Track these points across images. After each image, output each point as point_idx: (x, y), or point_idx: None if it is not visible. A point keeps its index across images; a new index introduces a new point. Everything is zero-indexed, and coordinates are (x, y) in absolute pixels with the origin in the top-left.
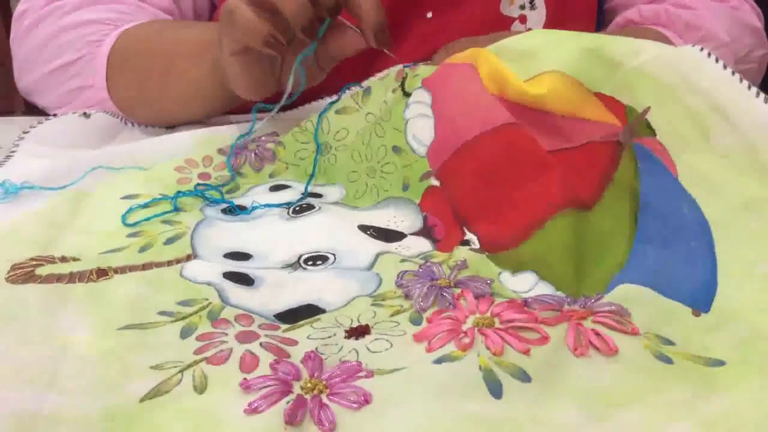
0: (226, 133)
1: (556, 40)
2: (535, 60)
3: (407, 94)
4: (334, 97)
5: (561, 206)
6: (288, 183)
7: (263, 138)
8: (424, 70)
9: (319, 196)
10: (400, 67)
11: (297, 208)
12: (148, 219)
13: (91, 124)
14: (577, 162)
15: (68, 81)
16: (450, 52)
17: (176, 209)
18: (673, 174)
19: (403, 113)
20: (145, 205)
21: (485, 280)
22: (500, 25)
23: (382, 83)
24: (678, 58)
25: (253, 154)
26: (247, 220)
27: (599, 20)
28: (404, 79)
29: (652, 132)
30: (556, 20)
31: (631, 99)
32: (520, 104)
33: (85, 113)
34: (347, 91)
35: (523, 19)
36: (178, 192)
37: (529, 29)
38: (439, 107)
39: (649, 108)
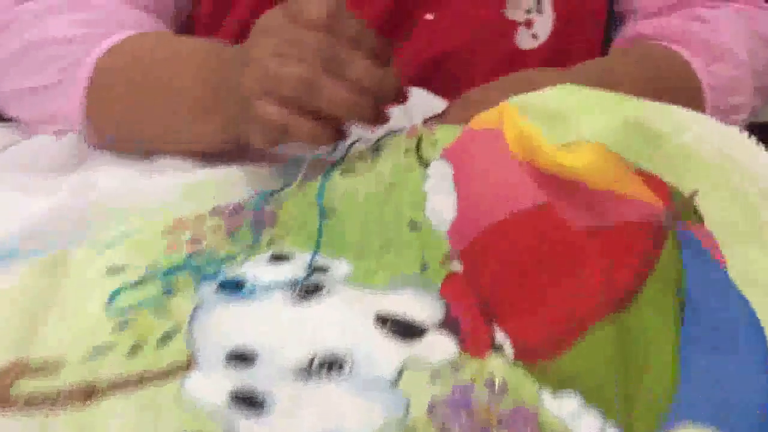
0: (222, 180)
1: (591, 103)
2: (568, 125)
3: (423, 162)
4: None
5: (601, 311)
6: (289, 253)
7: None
8: (443, 133)
9: (324, 270)
10: (413, 124)
11: (303, 290)
12: (136, 306)
13: (60, 146)
14: (612, 244)
15: (41, 104)
16: (466, 106)
17: (168, 292)
18: (722, 268)
19: (421, 184)
20: (133, 285)
21: (531, 417)
22: (505, 30)
23: (392, 142)
24: (729, 137)
25: (252, 217)
26: (249, 300)
27: (609, 26)
28: (419, 140)
29: (699, 218)
30: (563, 26)
31: (676, 179)
32: (551, 174)
33: (56, 133)
34: (353, 149)
35: (529, 24)
36: (170, 269)
37: (535, 34)
38: (462, 182)
39: (697, 191)
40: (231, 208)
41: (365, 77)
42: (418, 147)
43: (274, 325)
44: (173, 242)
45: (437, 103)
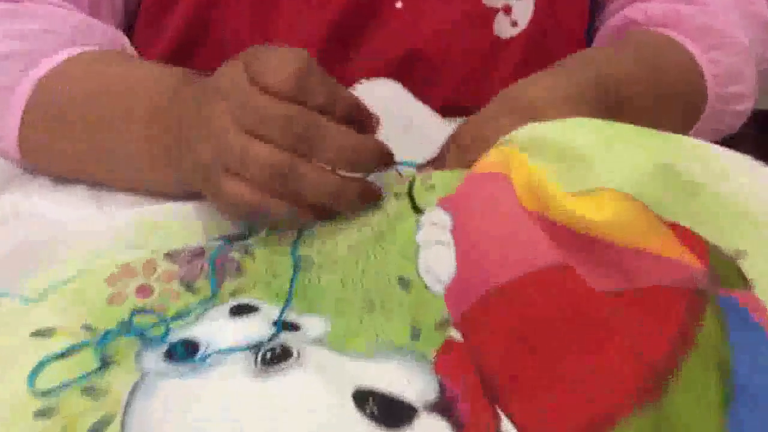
0: (181, 219)
1: (612, 141)
2: (587, 168)
3: (418, 209)
4: None
5: (631, 400)
6: (254, 303)
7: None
8: (440, 179)
9: (295, 328)
10: (403, 167)
11: (269, 355)
12: (65, 385)
13: None
14: (641, 313)
15: None
16: (464, 147)
17: (103, 365)
18: None
19: (412, 235)
20: (63, 354)
21: None
22: (482, 18)
23: (380, 184)
24: None
25: (210, 265)
26: (201, 370)
27: (593, 14)
28: (411, 183)
29: (746, 283)
30: (545, 11)
31: (716, 235)
32: (567, 227)
33: None
34: None
35: (507, 10)
36: (107, 333)
37: (514, 21)
38: (463, 234)
39: (743, 251)
40: (189, 252)
41: (344, 153)
42: (410, 191)
43: (230, 410)
44: (117, 293)
45: (432, 126)
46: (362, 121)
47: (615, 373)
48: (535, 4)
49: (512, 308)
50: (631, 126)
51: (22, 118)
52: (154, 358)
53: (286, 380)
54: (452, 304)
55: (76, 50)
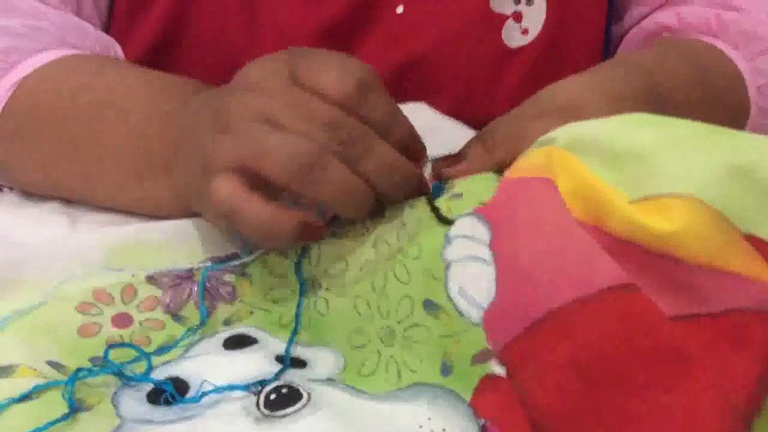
0: (161, 240)
1: (678, 141)
2: (648, 171)
3: (445, 220)
4: None
5: None
6: (252, 334)
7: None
8: (466, 186)
9: (302, 364)
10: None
11: (273, 397)
12: None
13: None
14: (720, 340)
15: None
16: (491, 145)
17: (73, 410)
18: None
19: (440, 250)
20: (26, 397)
21: None
22: (489, 25)
23: None
24: None
25: (199, 289)
26: (192, 415)
27: (609, 20)
28: (431, 192)
29: None
30: (558, 19)
31: None
32: (628, 241)
33: None
34: None
35: (517, 17)
36: (77, 371)
37: (525, 30)
38: (504, 250)
39: None
40: (174, 275)
41: (385, 170)
42: (429, 199)
43: None
44: (90, 323)
45: (447, 128)
46: (412, 150)
47: (696, 413)
48: (548, 12)
49: (567, 337)
50: (700, 123)
51: None
52: (134, 402)
53: (297, 429)
54: (493, 333)
55: (65, 52)
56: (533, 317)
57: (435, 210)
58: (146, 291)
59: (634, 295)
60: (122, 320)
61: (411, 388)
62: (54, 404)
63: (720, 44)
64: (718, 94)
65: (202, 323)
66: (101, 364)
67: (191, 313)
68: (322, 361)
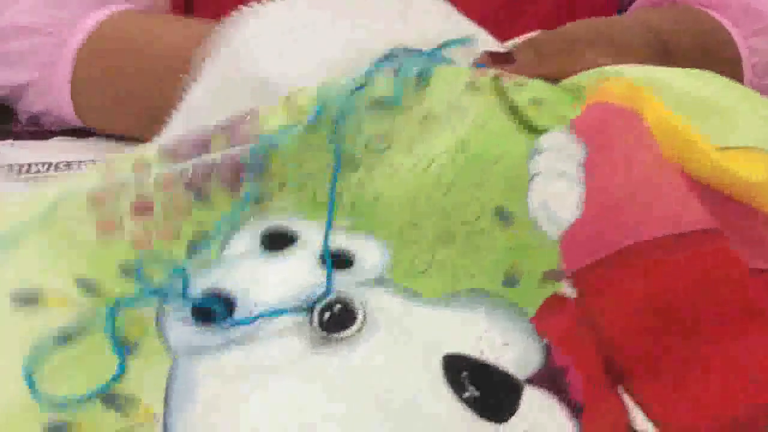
0: None
1: (753, 99)
2: (728, 122)
3: (531, 127)
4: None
5: None
6: (289, 227)
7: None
8: (547, 92)
9: (348, 263)
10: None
11: (327, 316)
12: (78, 399)
13: None
14: None
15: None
16: (543, 54)
17: (123, 358)
18: None
19: (523, 159)
20: (64, 341)
21: None
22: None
23: (450, 74)
24: None
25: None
26: (242, 337)
27: None
28: (503, 89)
29: None
30: None
31: None
32: (708, 186)
33: None
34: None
35: None
36: (116, 302)
37: None
38: (599, 173)
39: None
40: (189, 143)
41: None
42: (505, 98)
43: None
44: (106, 218)
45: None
46: None
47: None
48: None
49: (650, 273)
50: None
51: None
52: (181, 326)
53: (357, 356)
54: (570, 254)
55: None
56: (618, 245)
57: (519, 115)
58: (161, 167)
59: (721, 243)
60: (143, 207)
61: (467, 293)
62: (98, 346)
63: (721, 18)
64: (717, 47)
65: (240, 209)
66: (138, 286)
67: (218, 194)
68: (368, 253)
